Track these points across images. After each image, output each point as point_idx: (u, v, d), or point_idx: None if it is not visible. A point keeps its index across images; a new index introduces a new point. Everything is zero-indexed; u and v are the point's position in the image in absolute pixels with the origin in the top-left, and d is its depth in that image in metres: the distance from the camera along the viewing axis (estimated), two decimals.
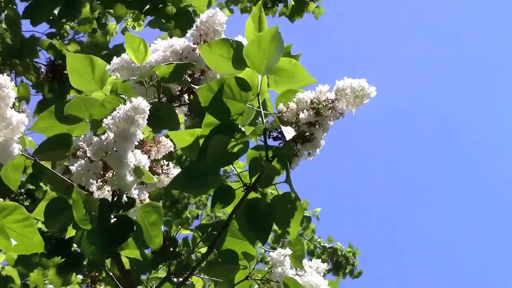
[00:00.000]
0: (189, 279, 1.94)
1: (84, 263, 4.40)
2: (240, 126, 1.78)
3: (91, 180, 1.66)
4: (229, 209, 1.85)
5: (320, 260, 1.95)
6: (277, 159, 1.78)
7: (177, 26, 4.98)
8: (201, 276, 1.92)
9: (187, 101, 1.99)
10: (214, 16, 1.96)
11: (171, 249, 4.81)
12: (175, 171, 1.86)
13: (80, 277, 4.75)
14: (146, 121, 1.66)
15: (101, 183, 1.68)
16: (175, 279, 1.90)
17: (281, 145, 1.78)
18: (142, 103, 1.64)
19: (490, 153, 17.62)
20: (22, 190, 4.74)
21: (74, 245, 4.24)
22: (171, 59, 1.91)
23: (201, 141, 1.79)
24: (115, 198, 1.70)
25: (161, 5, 4.94)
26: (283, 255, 1.87)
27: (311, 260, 1.95)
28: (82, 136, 1.79)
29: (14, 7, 4.99)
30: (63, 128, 1.85)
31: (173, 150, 1.91)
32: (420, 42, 17.63)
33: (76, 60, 1.90)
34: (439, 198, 17.66)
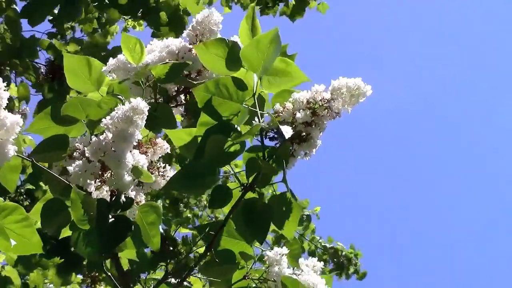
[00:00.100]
0: (187, 279, 1.94)
1: (84, 263, 4.40)
2: (236, 126, 1.78)
3: (89, 180, 1.66)
4: (226, 209, 1.85)
5: (319, 260, 1.94)
6: (273, 159, 1.78)
7: (172, 30, 4.98)
8: (199, 276, 1.92)
9: (183, 102, 1.99)
10: (210, 16, 1.96)
11: (171, 248, 4.81)
12: (171, 172, 1.86)
13: (80, 277, 4.76)
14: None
15: (99, 184, 1.68)
16: (172, 280, 1.91)
17: (278, 145, 1.78)
18: (141, 104, 1.64)
19: (491, 153, 17.62)
20: (22, 190, 4.75)
21: None
22: (167, 60, 1.92)
23: (199, 139, 1.80)
24: (113, 198, 1.71)
25: (154, 12, 4.94)
26: (279, 254, 1.87)
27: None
28: (79, 137, 1.80)
29: (15, 7, 4.99)
30: (59, 129, 1.86)
31: (173, 149, 1.91)
32: (420, 42, 17.63)
33: (73, 60, 1.91)
34: (439, 198, 17.66)
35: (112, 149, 1.64)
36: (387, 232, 17.17)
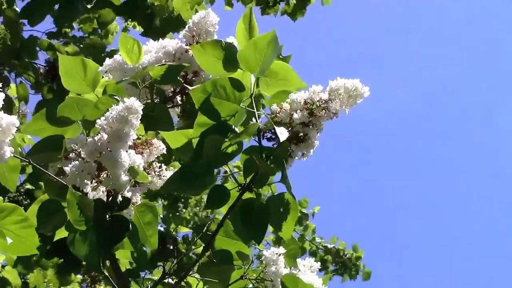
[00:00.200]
0: (185, 279, 1.94)
1: (84, 263, 4.40)
2: (233, 127, 1.79)
3: (85, 181, 1.67)
4: (224, 209, 1.85)
5: (321, 261, 1.94)
6: (271, 159, 1.78)
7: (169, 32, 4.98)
8: (196, 277, 1.92)
9: (179, 103, 1.99)
10: (206, 17, 1.96)
11: (171, 247, 4.81)
12: (167, 173, 1.87)
13: (80, 276, 4.76)
14: (140, 122, 1.67)
15: (95, 184, 1.69)
16: (170, 280, 1.91)
17: (275, 145, 1.79)
18: (135, 103, 1.65)
19: (491, 153, 17.61)
20: (22, 190, 4.76)
21: None
22: (164, 60, 1.92)
23: (194, 141, 1.80)
24: (110, 199, 1.71)
25: (149, 16, 4.94)
26: (276, 253, 1.87)
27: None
28: (75, 138, 1.80)
29: (15, 7, 4.99)
30: (55, 130, 1.86)
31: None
32: (420, 42, 17.62)
33: (68, 62, 1.91)
34: (439, 198, 17.65)
35: (108, 149, 1.65)
36: (387, 232, 17.17)
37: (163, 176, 1.85)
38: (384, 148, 18.18)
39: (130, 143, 1.68)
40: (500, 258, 16.44)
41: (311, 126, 1.77)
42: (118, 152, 1.64)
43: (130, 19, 5.63)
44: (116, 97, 1.80)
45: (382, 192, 17.47)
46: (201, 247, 1.92)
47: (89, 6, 4.83)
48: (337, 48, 17.85)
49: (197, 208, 6.74)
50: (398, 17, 18.58)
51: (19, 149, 4.48)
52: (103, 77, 1.96)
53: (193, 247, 4.04)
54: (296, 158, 1.80)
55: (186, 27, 1.97)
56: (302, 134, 1.78)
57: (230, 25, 1.97)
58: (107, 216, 1.68)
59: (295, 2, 6.33)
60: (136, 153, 1.75)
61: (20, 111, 5.09)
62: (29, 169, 4.78)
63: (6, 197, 4.50)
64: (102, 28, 5.49)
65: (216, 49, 1.83)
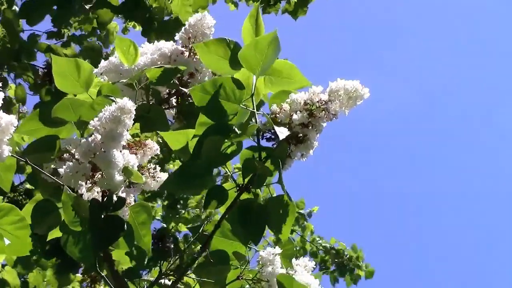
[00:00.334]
0: (182, 280, 1.94)
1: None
2: (234, 127, 1.78)
3: (80, 182, 1.67)
4: (222, 209, 1.85)
5: (321, 261, 1.94)
6: (270, 160, 1.78)
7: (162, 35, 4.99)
8: (193, 277, 1.92)
9: (175, 104, 1.99)
10: (202, 19, 1.95)
11: (171, 245, 4.81)
12: (162, 174, 1.87)
13: (80, 276, 4.76)
14: (135, 123, 1.67)
15: (90, 185, 1.68)
16: (166, 281, 1.91)
17: (274, 146, 1.78)
18: (128, 103, 1.64)
19: (491, 153, 17.61)
20: (21, 190, 4.76)
21: None
22: (159, 62, 1.92)
23: (194, 140, 1.80)
24: (105, 199, 1.71)
25: (148, 16, 4.94)
26: (272, 254, 1.86)
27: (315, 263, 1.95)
28: (69, 138, 1.80)
29: (14, 8, 4.98)
30: (49, 130, 1.86)
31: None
32: (420, 42, 17.62)
33: (61, 63, 1.90)
34: (439, 198, 17.65)
35: (102, 149, 1.65)
36: (387, 232, 17.17)
37: (157, 178, 1.85)
38: (384, 148, 18.19)
39: (123, 143, 1.68)
40: (500, 258, 16.44)
41: (310, 127, 1.77)
42: (111, 152, 1.64)
43: (128, 20, 5.62)
44: (111, 98, 1.80)
45: (382, 192, 17.47)
46: (199, 247, 1.92)
47: (87, 7, 4.82)
48: (337, 48, 17.86)
49: (197, 210, 6.74)
50: (398, 17, 18.59)
51: (17, 148, 4.48)
52: (97, 77, 1.95)
53: (193, 246, 4.04)
54: (296, 158, 1.80)
55: (182, 29, 1.97)
56: (301, 135, 1.78)
57: (236, 24, 1.97)
58: (102, 216, 1.68)
59: (296, 0, 6.31)
60: (130, 154, 1.75)
61: (20, 111, 5.10)
62: (29, 169, 4.78)
63: (6, 197, 4.50)
64: (102, 29, 5.49)
65: (221, 47, 1.82)
